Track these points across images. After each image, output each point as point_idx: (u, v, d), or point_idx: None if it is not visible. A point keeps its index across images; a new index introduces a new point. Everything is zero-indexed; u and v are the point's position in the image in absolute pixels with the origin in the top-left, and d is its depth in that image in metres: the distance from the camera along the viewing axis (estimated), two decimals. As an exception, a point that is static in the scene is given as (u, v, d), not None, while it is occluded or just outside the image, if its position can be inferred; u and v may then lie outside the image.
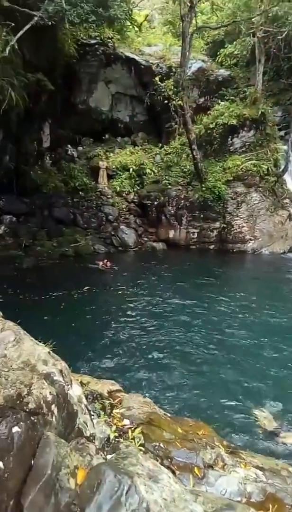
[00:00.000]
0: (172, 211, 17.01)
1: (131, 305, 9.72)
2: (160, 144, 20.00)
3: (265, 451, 3.76)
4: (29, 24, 10.93)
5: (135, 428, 2.83)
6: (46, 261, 14.03)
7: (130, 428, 2.84)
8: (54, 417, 2.12)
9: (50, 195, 16.95)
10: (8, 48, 10.65)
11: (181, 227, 16.97)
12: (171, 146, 19.19)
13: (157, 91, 17.09)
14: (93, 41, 18.11)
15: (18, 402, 1.94)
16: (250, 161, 16.68)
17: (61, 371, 2.55)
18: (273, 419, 5.01)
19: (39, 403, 2.04)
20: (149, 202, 17.58)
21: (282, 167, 16.97)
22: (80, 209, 17.30)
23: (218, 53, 20.26)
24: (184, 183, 17.31)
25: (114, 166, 18.68)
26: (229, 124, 16.62)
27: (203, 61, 20.28)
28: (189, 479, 2.54)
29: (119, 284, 11.49)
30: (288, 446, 4.45)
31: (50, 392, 2.17)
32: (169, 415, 3.36)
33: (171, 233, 17.12)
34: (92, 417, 2.73)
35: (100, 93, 20.12)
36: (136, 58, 19.46)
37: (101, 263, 13.13)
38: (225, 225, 16.63)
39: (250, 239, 16.45)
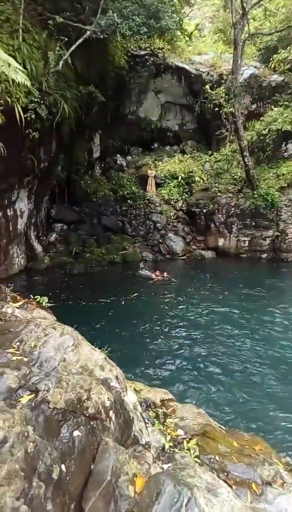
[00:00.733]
0: (222, 219, 16.76)
1: (179, 313, 9.66)
2: (209, 152, 19.86)
3: None
4: (82, 38, 11.33)
5: (190, 439, 2.78)
6: (95, 267, 14.35)
7: (184, 438, 2.79)
8: (112, 423, 2.13)
9: (99, 204, 17.38)
10: (61, 62, 11.11)
11: (231, 235, 16.66)
12: (221, 153, 18.97)
13: (207, 99, 17.03)
14: (143, 52, 18.42)
15: (78, 406, 1.97)
16: (306, 168, 16.08)
17: (117, 377, 2.57)
18: None
19: (98, 408, 2.05)
20: (198, 210, 17.46)
21: None
22: (128, 217, 17.56)
23: (271, 58, 19.81)
24: (235, 190, 17.01)
25: (162, 175, 18.80)
26: (283, 130, 16.15)
27: (255, 67, 19.94)
28: (247, 495, 2.44)
29: (166, 292, 11.46)
30: None
31: (108, 398, 2.18)
32: (224, 428, 3.27)
33: (221, 241, 16.85)
34: (147, 425, 2.71)
35: (150, 103, 20.39)
36: (186, 67, 19.53)
37: (154, 274, 12.90)
38: (278, 233, 16.10)
39: (306, 248, 15.80)
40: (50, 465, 1.59)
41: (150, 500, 1.74)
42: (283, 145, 16.79)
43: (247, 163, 15.91)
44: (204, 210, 17.24)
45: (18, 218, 12.73)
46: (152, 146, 21.23)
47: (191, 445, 2.69)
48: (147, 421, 2.80)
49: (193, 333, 8.30)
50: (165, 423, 2.98)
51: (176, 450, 2.59)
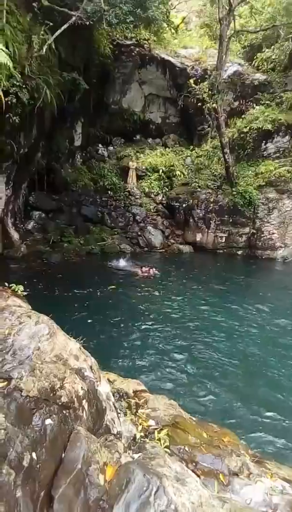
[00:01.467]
0: (201, 214, 16.89)
1: (154, 307, 9.71)
2: (191, 147, 19.92)
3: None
4: (67, 23, 11.05)
5: (161, 430, 2.82)
6: (73, 257, 14.22)
7: (155, 429, 2.83)
8: (84, 412, 2.14)
9: (79, 193, 17.19)
10: (45, 47, 10.83)
11: (209, 231, 16.83)
12: (203, 149, 19.07)
13: (191, 93, 17.01)
14: (128, 42, 18.19)
15: (51, 395, 1.96)
16: (284, 167, 16.35)
17: (91, 367, 2.58)
18: None
19: (71, 397, 2.06)
20: (178, 204, 17.53)
21: (317, 174, 16.56)
22: (108, 208, 17.45)
23: (255, 57, 19.97)
24: (214, 186, 17.15)
25: (144, 167, 18.75)
26: (263, 128, 16.36)
27: (239, 64, 20.05)
28: (214, 485, 2.50)
29: (143, 285, 11.48)
30: None
31: (81, 387, 2.19)
32: (194, 419, 3.33)
33: (199, 236, 17.00)
34: (119, 415, 2.74)
35: (134, 94, 20.22)
36: (172, 60, 19.45)
37: (140, 270, 12.62)
38: (254, 231, 16.38)
39: (280, 247, 16.13)
40: (21, 453, 1.59)
41: (119, 488, 1.76)
42: (263, 144, 17.02)
43: (227, 160, 16.06)
44: (184, 205, 17.32)
45: (-6, 204, 12.47)
46: (135, 138, 21.11)
47: (162, 436, 2.73)
48: (119, 411, 2.82)
49: (167, 327, 8.37)
50: (137, 414, 3.01)
51: (147, 440, 2.63)
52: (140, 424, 2.84)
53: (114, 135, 20.43)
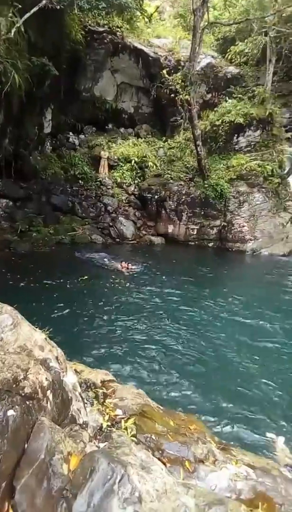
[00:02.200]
0: (173, 206, 16.96)
1: (124, 298, 9.68)
2: (164, 138, 19.89)
3: (257, 449, 3.77)
4: (37, 6, 10.68)
5: (128, 419, 2.82)
6: (42, 247, 13.97)
7: (122, 418, 2.83)
8: (49, 403, 2.11)
9: (49, 182, 16.82)
10: (13, 30, 10.43)
11: (181, 223, 16.94)
12: (175, 141, 19.09)
13: (164, 84, 16.95)
14: (101, 29, 17.85)
15: (14, 385, 1.92)
16: (255, 161, 16.62)
17: (57, 358, 2.54)
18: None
19: (35, 388, 2.02)
20: (150, 195, 17.51)
21: (287, 169, 16.91)
22: (79, 198, 17.20)
23: (228, 50, 20.09)
24: (187, 178, 17.24)
25: (116, 157, 18.58)
26: (235, 122, 16.54)
27: (212, 57, 20.12)
28: (180, 472, 2.54)
29: (113, 276, 11.43)
30: None
31: (46, 378, 2.15)
32: (162, 407, 3.35)
33: (170, 228, 17.08)
34: (86, 405, 2.72)
35: (106, 82, 19.91)
36: (145, 49, 19.26)
37: (119, 265, 12.39)
38: (225, 224, 16.61)
39: (250, 239, 16.44)
40: (-20, 445, 1.54)
41: (83, 477, 1.75)
42: (234, 137, 17.22)
43: (200, 152, 16.15)
44: (156, 196, 17.33)
45: None
46: (107, 127, 20.85)
47: (129, 425, 2.73)
48: (86, 401, 2.80)
49: (136, 318, 8.37)
50: (105, 403, 3.00)
51: (114, 430, 2.62)
52: (107, 414, 2.83)
53: (85, 123, 20.09)
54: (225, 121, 16.84)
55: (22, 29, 11.07)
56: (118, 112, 20.81)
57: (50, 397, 2.13)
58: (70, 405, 2.38)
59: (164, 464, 2.51)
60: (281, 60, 18.17)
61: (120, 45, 18.63)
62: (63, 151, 18.11)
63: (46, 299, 8.85)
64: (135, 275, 11.78)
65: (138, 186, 18.19)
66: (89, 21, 17.24)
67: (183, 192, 16.93)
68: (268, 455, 3.73)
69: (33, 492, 1.64)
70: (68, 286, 10.13)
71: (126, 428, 2.69)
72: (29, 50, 12.43)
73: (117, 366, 5.91)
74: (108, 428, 2.63)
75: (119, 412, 2.94)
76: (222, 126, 17.01)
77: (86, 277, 10.85)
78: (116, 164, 18.60)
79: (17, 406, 1.83)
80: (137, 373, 5.92)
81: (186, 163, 17.78)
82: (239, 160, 16.67)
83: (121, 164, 18.56)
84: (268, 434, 4.55)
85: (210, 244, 16.91)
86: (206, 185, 16.35)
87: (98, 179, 17.80)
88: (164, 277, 11.79)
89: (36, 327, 2.66)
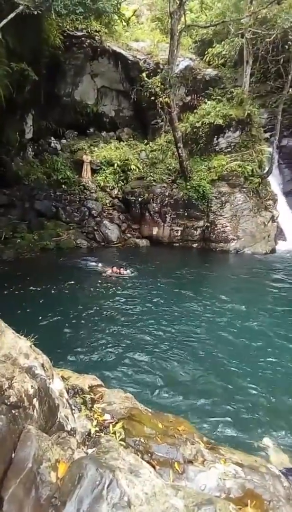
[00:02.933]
0: (156, 208, 17.02)
1: (111, 302, 9.62)
2: (145, 141, 19.98)
3: (245, 447, 3.80)
4: (14, 12, 10.67)
5: (116, 423, 2.83)
6: (26, 254, 13.85)
7: (111, 422, 2.83)
8: (35, 411, 2.10)
9: (32, 187, 16.72)
10: (-9, 36, 10.42)
11: (165, 225, 17.00)
12: (157, 143, 19.18)
13: (143, 87, 16.99)
14: (79, 33, 17.88)
15: (-1, 395, 1.91)
16: (235, 162, 16.81)
17: (42, 365, 2.53)
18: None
19: (20, 396, 2.01)
20: (133, 198, 17.55)
21: (267, 169, 17.17)
22: (62, 203, 17.13)
23: (206, 52, 20.33)
24: (169, 180, 17.33)
25: (98, 161, 18.59)
26: (215, 123, 16.69)
27: (191, 59, 20.33)
28: (169, 474, 2.55)
29: (100, 281, 11.39)
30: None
31: (31, 386, 2.14)
32: (150, 410, 3.36)
33: (155, 230, 17.13)
34: (73, 411, 2.71)
35: (86, 86, 19.92)
36: (123, 52, 19.34)
37: (110, 270, 12.14)
38: (208, 224, 16.74)
39: (233, 239, 16.60)
40: None
41: (72, 484, 1.75)
42: (215, 138, 17.39)
43: (181, 154, 16.25)
44: (139, 199, 17.38)
45: None
46: (88, 131, 20.86)
47: (117, 429, 2.74)
48: (73, 407, 2.80)
49: (122, 322, 8.34)
50: (93, 409, 3.00)
51: (102, 435, 2.62)
52: (95, 419, 2.83)
53: (66, 128, 20.06)
54: (205, 123, 16.99)
55: (0, 36, 11.01)
56: (99, 116, 20.83)
57: (37, 405, 2.12)
58: (57, 412, 2.37)
59: (154, 466, 2.52)
60: (258, 62, 18.46)
61: (99, 49, 18.68)
62: (45, 156, 18.02)
63: (32, 306, 8.77)
64: (121, 279, 11.75)
65: (122, 189, 18.22)
66: (67, 26, 17.25)
67: (166, 194, 17.00)
68: (256, 453, 3.77)
69: (21, 501, 1.63)
70: (53, 292, 10.06)
71: (114, 433, 2.70)
72: (7, 56, 12.39)
73: (104, 371, 5.89)
74: (97, 434, 2.63)
75: (107, 416, 2.94)
76: (202, 127, 17.16)
77: (72, 282, 10.80)
78: (98, 168, 18.60)
79: (2, 416, 1.82)
80: (125, 377, 5.91)
81: (168, 165, 17.88)
82: (220, 161, 16.83)
83: (103, 167, 18.56)
84: (264, 439, 4.57)
85: (194, 245, 17.00)
86: (188, 187, 16.46)
87: (81, 183, 17.76)
88: (150, 280, 11.80)
89: (21, 335, 2.65)
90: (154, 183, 17.27)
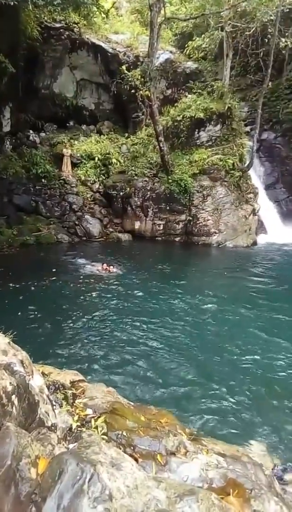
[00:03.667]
0: (138, 202, 16.97)
1: (91, 298, 9.56)
2: (126, 134, 19.84)
3: (227, 438, 3.86)
4: (-11, 2, 10.43)
5: (98, 417, 2.81)
6: (6, 249, 13.63)
7: (93, 417, 2.82)
8: (14, 407, 2.07)
9: (10, 181, 16.38)
10: None
11: (147, 219, 16.98)
12: (138, 137, 19.08)
13: (123, 80, 16.84)
14: (57, 25, 17.58)
15: (-24, 392, 1.87)
16: (216, 155, 16.88)
17: (22, 362, 2.49)
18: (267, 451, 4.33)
19: (-2, 393, 1.97)
20: (115, 192, 17.44)
21: (247, 162, 17.31)
22: (42, 197, 16.89)
23: (186, 45, 20.26)
24: (151, 174, 17.29)
25: (78, 154, 18.36)
26: (196, 117, 16.70)
27: (171, 52, 20.24)
28: (152, 467, 2.56)
29: (82, 277, 11.31)
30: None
31: (10, 383, 2.11)
32: (132, 403, 3.37)
33: (137, 224, 17.10)
34: (54, 407, 2.68)
35: (65, 79, 19.62)
36: (103, 45, 19.11)
37: (100, 267, 11.99)
38: (190, 218, 16.80)
39: (215, 232, 16.71)
40: None
41: (52, 480, 1.73)
42: (196, 132, 17.41)
43: (162, 148, 16.22)
44: (121, 193, 17.29)
45: None
46: (68, 124, 20.57)
47: (99, 423, 2.73)
48: (54, 403, 2.77)
49: (103, 317, 8.32)
50: (74, 404, 2.98)
51: (84, 429, 2.61)
52: (77, 414, 2.81)
53: (46, 121, 19.72)
54: (186, 116, 16.98)
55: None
56: (79, 109, 20.57)
57: (15, 401, 2.09)
58: (37, 408, 2.35)
59: (136, 459, 2.52)
60: (238, 55, 18.54)
61: (78, 41, 18.41)
62: (23, 150, 17.66)
63: (11, 303, 8.65)
64: (105, 275, 11.65)
65: (103, 183, 18.07)
66: (45, 17, 16.92)
67: (148, 188, 16.97)
68: (238, 443, 3.82)
69: (1, 499, 1.61)
70: (33, 288, 9.93)
71: (96, 427, 2.69)
72: (-17, 47, 12.07)
73: (86, 366, 5.88)
74: (78, 429, 2.62)
75: (89, 411, 2.92)
76: (183, 121, 17.15)
77: (53, 278, 10.69)
78: (79, 161, 18.37)
79: (-20, 414, 1.79)
80: (107, 372, 5.91)
81: (149, 159, 17.82)
82: (201, 155, 16.87)
83: (84, 161, 18.35)
84: (251, 441, 4.60)
85: (177, 239, 17.05)
86: (170, 181, 16.45)
87: (62, 178, 17.52)
88: (132, 273, 11.79)
89: (-1, 331, 2.61)
90: (135, 177, 17.20)
